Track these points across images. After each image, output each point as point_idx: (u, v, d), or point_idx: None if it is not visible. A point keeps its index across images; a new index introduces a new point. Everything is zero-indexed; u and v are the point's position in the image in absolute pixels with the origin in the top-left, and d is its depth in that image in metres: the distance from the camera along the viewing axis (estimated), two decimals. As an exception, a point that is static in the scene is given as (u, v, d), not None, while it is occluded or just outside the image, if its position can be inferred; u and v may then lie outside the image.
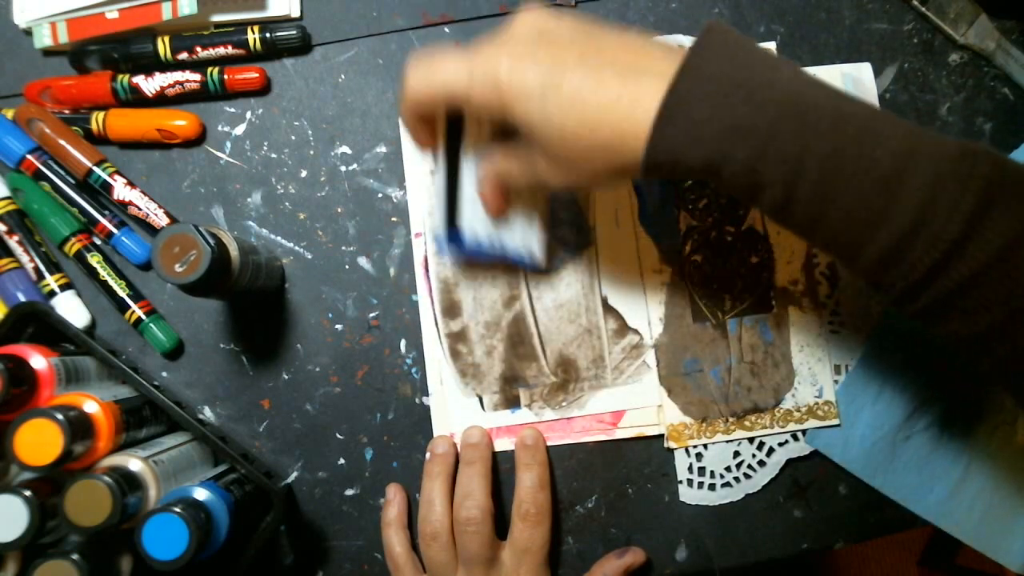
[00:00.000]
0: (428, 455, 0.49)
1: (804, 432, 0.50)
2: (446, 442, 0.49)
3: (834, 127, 0.30)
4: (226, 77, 0.49)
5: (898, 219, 0.30)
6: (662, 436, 0.50)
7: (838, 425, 0.49)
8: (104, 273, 0.49)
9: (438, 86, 0.36)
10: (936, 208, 0.29)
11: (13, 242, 0.49)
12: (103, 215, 0.49)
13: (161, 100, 0.50)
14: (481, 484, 0.46)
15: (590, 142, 0.34)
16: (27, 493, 0.38)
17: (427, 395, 0.50)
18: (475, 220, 0.44)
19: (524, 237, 0.45)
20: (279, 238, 0.51)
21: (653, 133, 0.32)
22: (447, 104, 0.37)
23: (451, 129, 0.42)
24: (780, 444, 0.50)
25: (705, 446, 0.50)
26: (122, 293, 0.49)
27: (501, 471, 0.50)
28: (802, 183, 0.31)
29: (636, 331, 0.50)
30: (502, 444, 0.50)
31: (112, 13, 0.49)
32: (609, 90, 0.33)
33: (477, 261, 0.48)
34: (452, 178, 0.43)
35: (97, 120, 0.49)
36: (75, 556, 0.38)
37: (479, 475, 0.47)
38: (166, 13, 0.48)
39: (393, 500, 0.49)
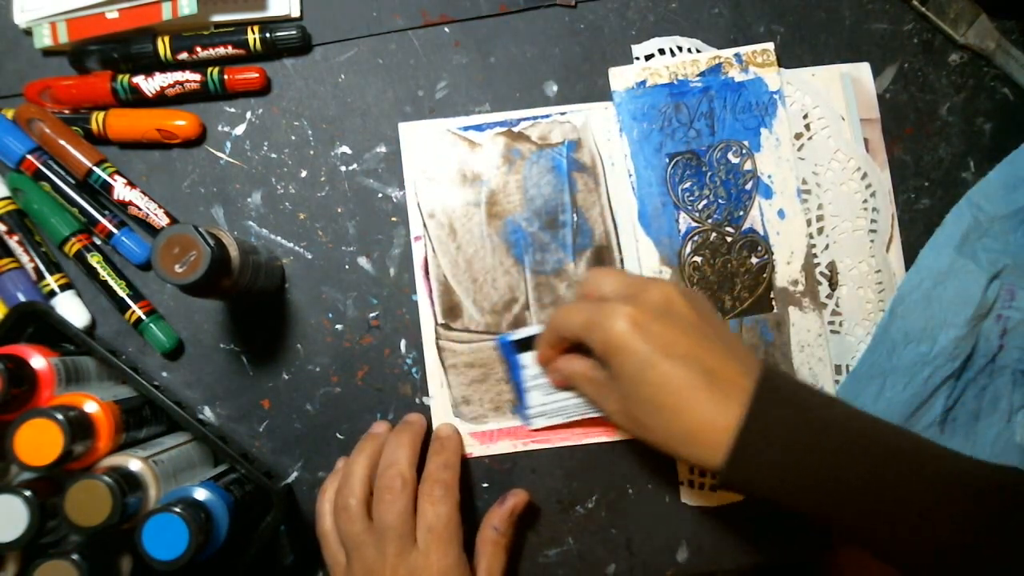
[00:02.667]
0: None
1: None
2: (384, 425, 0.49)
3: (885, 461, 0.36)
4: (226, 77, 0.49)
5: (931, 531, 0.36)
6: (662, 436, 0.50)
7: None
8: (104, 273, 0.49)
9: (567, 328, 0.42)
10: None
11: (13, 242, 0.49)
12: (103, 215, 0.49)
13: (161, 100, 0.50)
14: (406, 454, 0.45)
15: (662, 424, 0.38)
16: (27, 493, 0.38)
17: (427, 395, 0.50)
18: (533, 362, 0.47)
19: (544, 409, 0.48)
20: (279, 238, 0.51)
21: (726, 467, 0.36)
22: (573, 340, 0.43)
23: None
24: (780, 444, 0.50)
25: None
26: (122, 293, 0.49)
27: (497, 471, 0.50)
28: (859, 513, 0.36)
29: (636, 331, 0.50)
30: (503, 446, 0.50)
31: (112, 13, 0.49)
32: (700, 393, 0.37)
33: (507, 366, 0.49)
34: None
35: (97, 120, 0.49)
36: (75, 556, 0.38)
37: (405, 445, 0.45)
38: (166, 13, 0.48)
39: (337, 472, 0.48)
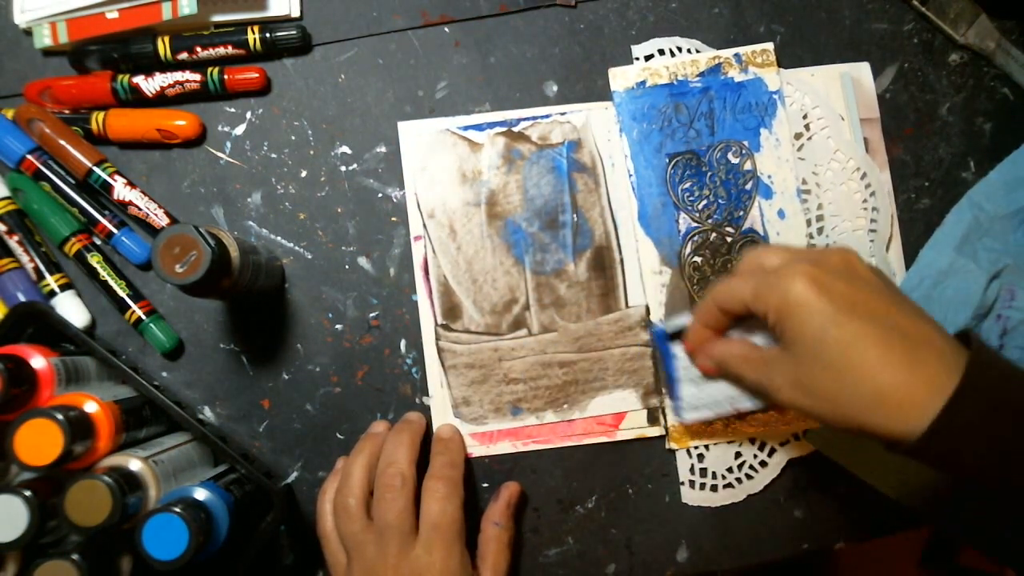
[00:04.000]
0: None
1: (805, 432, 0.50)
2: (382, 425, 0.49)
3: None
4: (226, 77, 0.49)
5: None
6: (663, 437, 0.50)
7: (838, 425, 0.49)
8: (104, 273, 0.49)
9: (733, 299, 0.40)
10: None
11: (13, 242, 0.49)
12: (103, 215, 0.49)
13: (161, 100, 0.50)
14: (406, 452, 0.45)
15: (844, 389, 0.35)
16: (27, 493, 0.38)
17: (427, 395, 0.50)
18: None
19: (695, 402, 0.47)
20: (279, 238, 0.51)
21: (927, 434, 0.33)
22: (737, 314, 0.41)
23: None
24: (781, 444, 0.50)
25: (707, 447, 0.50)
26: (122, 293, 0.49)
27: (497, 472, 0.50)
28: None
29: (636, 332, 0.50)
30: (503, 447, 0.50)
31: (112, 13, 0.49)
32: (892, 355, 0.34)
33: (661, 356, 0.48)
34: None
35: (97, 120, 0.49)
36: (75, 556, 0.38)
37: (404, 444, 0.45)
38: (166, 13, 0.48)
39: (337, 472, 0.48)
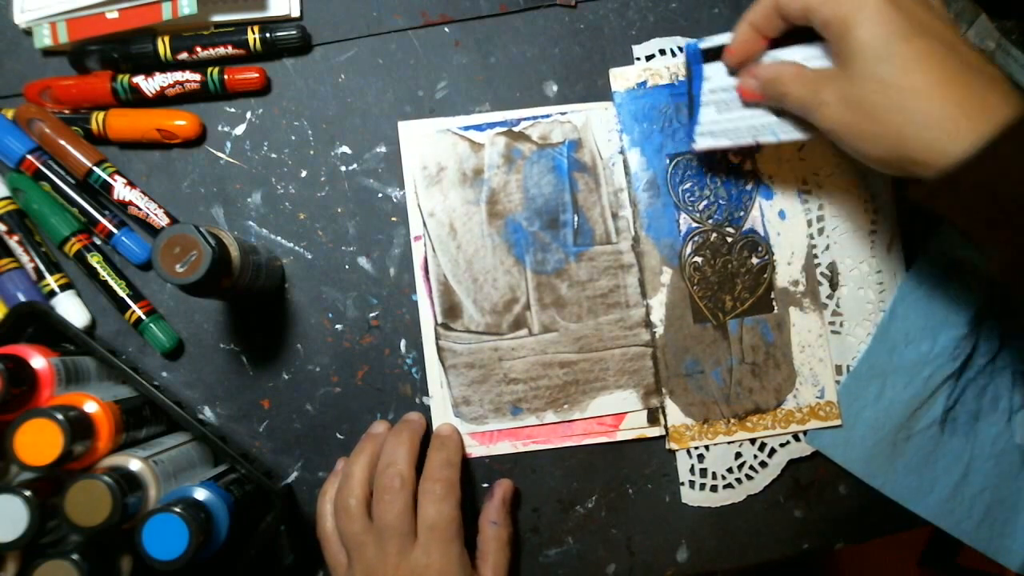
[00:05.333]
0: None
1: (805, 432, 0.50)
2: (382, 425, 0.49)
3: None
4: (226, 77, 0.49)
5: None
6: (663, 438, 0.50)
7: (840, 426, 0.49)
8: (104, 273, 0.49)
9: (789, 5, 0.38)
10: None
11: (13, 242, 0.49)
12: (103, 215, 0.49)
13: (161, 100, 0.50)
14: (405, 453, 0.44)
15: (898, 106, 0.34)
16: (27, 493, 0.38)
17: (427, 395, 0.50)
18: (717, 75, 0.45)
19: (713, 127, 0.45)
20: (279, 238, 0.51)
21: (976, 154, 0.33)
22: (792, 16, 0.39)
23: None
24: (782, 445, 0.50)
25: (707, 447, 0.50)
26: (122, 293, 0.49)
27: (497, 472, 0.50)
28: None
29: (636, 332, 0.50)
30: (503, 447, 0.50)
31: (112, 13, 0.49)
32: (952, 78, 0.34)
33: (687, 75, 0.47)
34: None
35: (97, 120, 0.49)
36: (75, 556, 0.38)
37: (404, 444, 0.45)
38: (166, 13, 0.48)
39: (337, 472, 0.48)
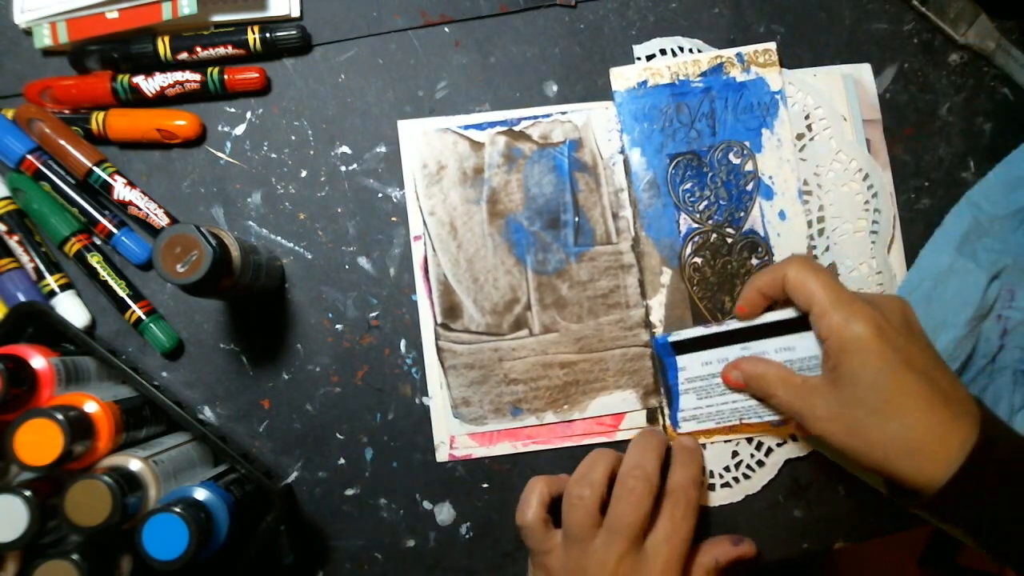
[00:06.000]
0: None
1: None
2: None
3: None
4: (226, 77, 0.49)
5: None
6: (662, 436, 0.50)
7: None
8: (104, 273, 0.49)
9: (805, 289, 0.41)
10: None
11: (13, 242, 0.49)
12: (103, 215, 0.49)
13: (161, 100, 0.50)
14: (654, 459, 0.45)
15: (888, 433, 0.38)
16: (27, 493, 0.38)
17: (427, 395, 0.50)
18: (692, 365, 0.48)
19: (696, 413, 0.48)
20: (279, 238, 0.51)
21: (951, 481, 0.37)
22: (796, 302, 0.42)
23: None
24: (778, 444, 0.50)
25: (704, 446, 0.50)
26: (122, 293, 0.49)
27: (497, 472, 0.50)
28: None
29: (636, 333, 0.50)
30: (503, 448, 0.50)
31: (112, 13, 0.49)
32: (935, 410, 0.38)
33: (660, 365, 0.49)
34: (724, 338, 0.47)
35: (97, 120, 0.49)
36: (75, 556, 0.38)
37: (654, 449, 0.45)
38: (166, 13, 0.48)
39: (542, 479, 0.47)
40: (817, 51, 0.52)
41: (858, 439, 0.39)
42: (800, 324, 0.44)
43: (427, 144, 0.50)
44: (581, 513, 0.44)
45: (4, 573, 0.41)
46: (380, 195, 0.51)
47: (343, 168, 0.51)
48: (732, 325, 0.46)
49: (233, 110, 0.51)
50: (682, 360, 0.48)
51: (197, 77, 0.49)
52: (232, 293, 0.44)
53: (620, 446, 0.50)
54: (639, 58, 0.51)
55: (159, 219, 0.49)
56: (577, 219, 0.50)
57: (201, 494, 0.42)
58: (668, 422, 0.49)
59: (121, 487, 0.38)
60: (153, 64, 0.49)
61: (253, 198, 0.51)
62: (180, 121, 0.49)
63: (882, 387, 0.38)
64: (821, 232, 0.51)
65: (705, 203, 0.50)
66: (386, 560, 0.50)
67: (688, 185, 0.50)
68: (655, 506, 0.44)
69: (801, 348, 0.44)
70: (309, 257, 0.51)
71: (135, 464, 0.41)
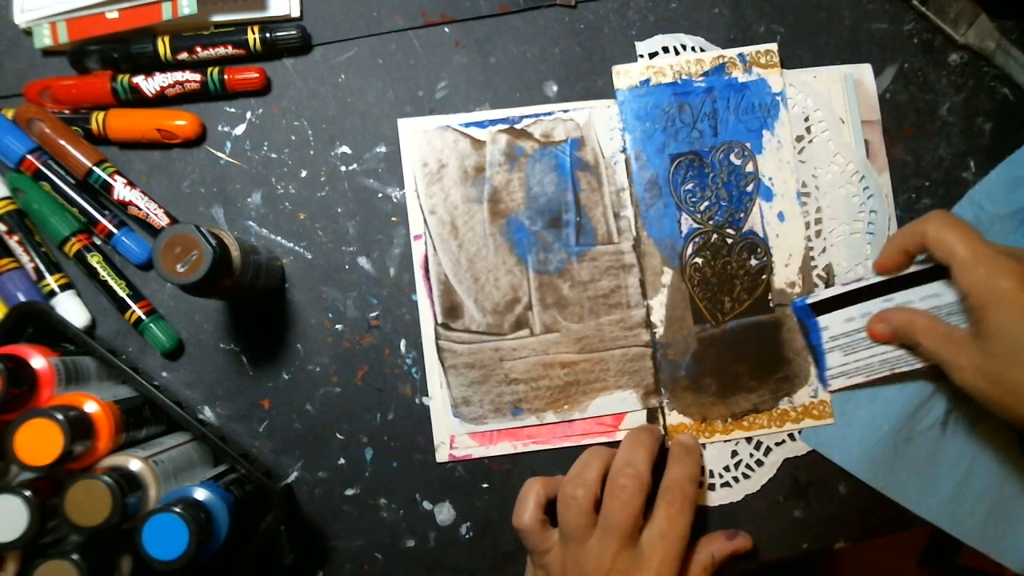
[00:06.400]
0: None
1: (800, 431, 0.50)
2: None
3: None
4: (226, 77, 0.49)
5: None
6: (663, 437, 0.50)
7: (832, 424, 0.50)
8: (104, 273, 0.49)
9: (945, 245, 0.41)
10: None
11: (13, 242, 0.49)
12: (103, 215, 0.49)
13: (161, 100, 0.50)
14: (645, 456, 0.45)
15: None
16: (27, 493, 0.38)
17: (427, 395, 0.50)
18: (835, 323, 0.48)
19: (845, 369, 0.49)
20: (279, 238, 0.51)
21: None
22: (937, 257, 0.42)
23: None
24: (777, 444, 0.50)
25: (703, 446, 0.50)
26: (122, 293, 0.49)
27: (497, 472, 0.50)
28: None
29: (637, 333, 0.50)
30: (503, 448, 0.50)
31: (112, 13, 0.49)
32: None
33: (803, 328, 0.49)
34: (864, 292, 0.47)
35: (97, 120, 0.49)
36: (75, 556, 0.38)
37: (645, 446, 0.45)
38: (166, 13, 0.48)
39: (539, 480, 0.47)
40: (817, 51, 0.52)
41: (1001, 390, 0.39)
42: (944, 270, 0.44)
43: (428, 142, 0.50)
44: (575, 513, 0.44)
45: (4, 573, 0.41)
46: (380, 195, 0.51)
47: (343, 168, 0.51)
48: (872, 279, 0.47)
49: (233, 110, 0.51)
50: (824, 319, 0.48)
51: (197, 77, 0.49)
52: (232, 293, 0.44)
53: (619, 446, 0.50)
54: (642, 55, 0.51)
55: (159, 219, 0.49)
56: (579, 218, 0.50)
57: (201, 494, 0.42)
58: (817, 382, 0.50)
59: (121, 487, 0.38)
60: (153, 64, 0.49)
61: (253, 198, 0.51)
62: (180, 121, 0.49)
63: None
64: (819, 233, 0.51)
65: (706, 204, 0.50)
66: (386, 560, 0.50)
67: (690, 185, 0.50)
68: (650, 503, 0.44)
69: (947, 294, 0.45)
70: (309, 257, 0.51)
71: (135, 464, 0.41)
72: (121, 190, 0.49)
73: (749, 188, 0.50)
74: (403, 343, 0.50)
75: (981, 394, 0.40)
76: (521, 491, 0.46)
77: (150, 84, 0.49)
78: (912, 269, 0.46)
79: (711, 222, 0.50)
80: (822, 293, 0.48)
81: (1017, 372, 0.39)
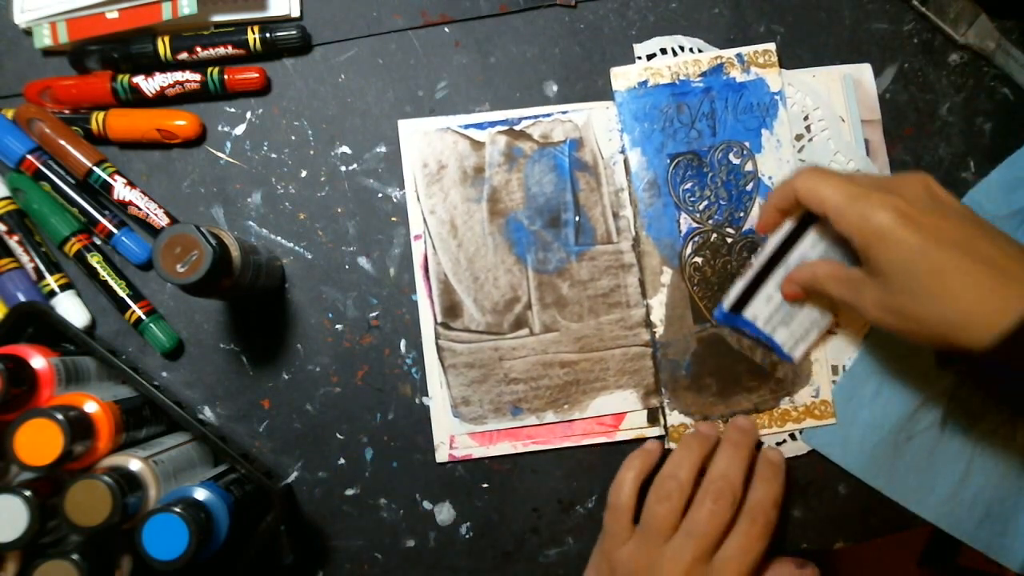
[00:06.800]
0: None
1: (801, 431, 0.50)
2: (711, 426, 0.49)
3: None
4: (226, 77, 0.49)
5: None
6: (663, 438, 0.50)
7: (834, 423, 0.50)
8: (104, 273, 0.49)
9: (815, 197, 0.41)
10: None
11: (13, 242, 0.49)
12: (103, 215, 0.49)
13: (161, 100, 0.50)
14: (740, 469, 0.45)
15: (935, 312, 0.37)
16: (27, 493, 0.38)
17: (427, 395, 0.50)
18: (760, 308, 0.48)
19: (794, 336, 0.49)
20: (279, 238, 0.51)
21: (1006, 342, 0.35)
22: (812, 210, 0.42)
23: (794, 230, 0.46)
24: (778, 443, 0.50)
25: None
26: (122, 293, 0.49)
27: (497, 472, 0.50)
28: None
29: (637, 332, 0.50)
30: (503, 448, 0.50)
31: (112, 13, 0.49)
32: (980, 281, 0.36)
33: (740, 332, 0.50)
34: (765, 269, 0.47)
35: (97, 120, 0.49)
36: (75, 556, 0.38)
37: (743, 460, 0.46)
38: (166, 13, 0.48)
39: (650, 451, 0.48)
40: (817, 51, 0.52)
41: (908, 321, 0.39)
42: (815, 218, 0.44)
43: (427, 143, 0.50)
44: (666, 511, 0.44)
45: (4, 573, 0.41)
46: (380, 195, 0.51)
47: (343, 168, 0.51)
48: (762, 256, 0.47)
49: (233, 110, 0.51)
50: (749, 312, 0.48)
51: (197, 77, 0.49)
52: (232, 293, 0.44)
53: (620, 446, 0.50)
54: (639, 57, 0.51)
55: (159, 219, 0.49)
56: (578, 218, 0.50)
57: (201, 494, 0.42)
58: (779, 359, 0.50)
59: (121, 487, 0.38)
60: (153, 64, 0.49)
61: (253, 198, 0.51)
62: (180, 121, 0.49)
63: (915, 272, 0.37)
64: (821, 232, 0.51)
65: (705, 203, 0.50)
66: (386, 560, 0.50)
67: (688, 185, 0.50)
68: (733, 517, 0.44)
69: (831, 232, 0.45)
70: (309, 257, 0.51)
71: (135, 464, 0.41)
72: (121, 190, 0.49)
73: (749, 187, 0.50)
74: (403, 343, 0.50)
75: (889, 327, 0.40)
76: (622, 467, 0.47)
77: (150, 84, 0.49)
78: (788, 225, 0.45)
79: (710, 221, 0.50)
80: (731, 294, 0.48)
81: (912, 302, 0.38)
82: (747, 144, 0.50)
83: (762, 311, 0.48)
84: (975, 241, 0.37)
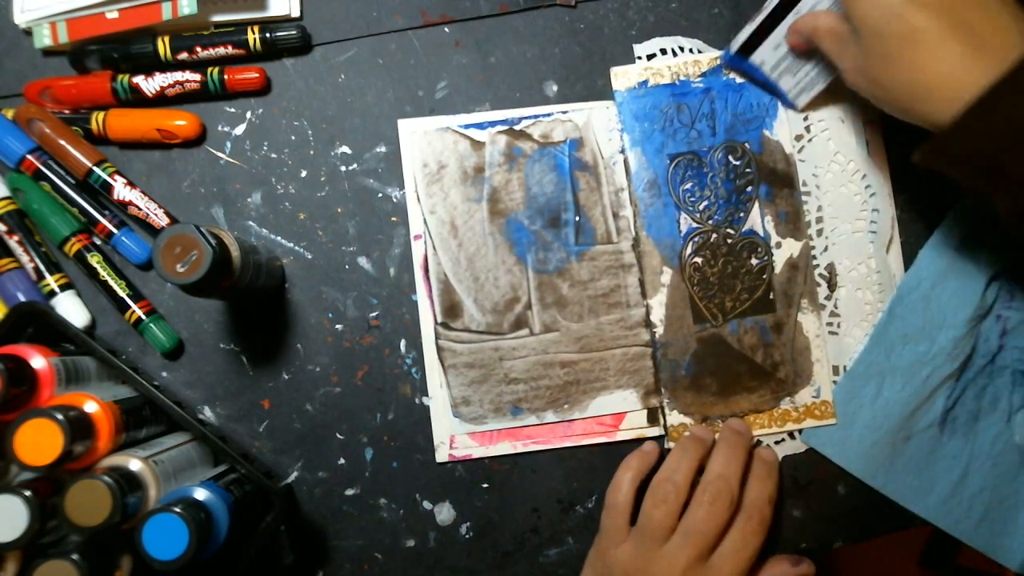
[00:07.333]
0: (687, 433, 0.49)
1: (801, 431, 0.50)
2: (707, 429, 0.49)
3: None
4: (226, 77, 0.49)
5: None
6: (663, 437, 0.50)
7: (834, 424, 0.50)
8: (104, 273, 0.49)
9: None
10: None
11: (13, 242, 0.49)
12: (103, 215, 0.49)
13: (161, 100, 0.50)
14: (738, 469, 0.46)
15: (900, 78, 0.36)
16: (27, 493, 0.38)
17: (427, 395, 0.50)
18: (768, 54, 0.48)
19: (799, 85, 0.49)
20: (279, 238, 0.51)
21: (959, 118, 0.34)
22: None
23: None
24: (776, 443, 0.50)
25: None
26: (122, 293, 0.49)
27: (497, 472, 0.50)
28: None
29: (637, 332, 0.50)
30: (503, 448, 0.50)
31: (112, 13, 0.49)
32: (953, 48, 0.35)
33: (747, 76, 0.50)
34: (776, 15, 0.46)
35: (97, 120, 0.49)
36: (75, 556, 0.38)
37: (739, 460, 0.46)
38: (166, 13, 0.48)
39: (647, 452, 0.48)
40: (817, 51, 0.52)
41: (878, 88, 0.38)
42: None
43: (427, 143, 0.50)
44: (663, 513, 0.44)
45: (4, 573, 0.41)
46: (380, 195, 0.51)
47: (343, 168, 0.51)
48: (772, 2, 0.46)
49: (233, 110, 0.51)
50: (756, 57, 0.48)
51: (197, 77, 0.49)
52: (232, 293, 0.44)
53: (620, 446, 0.50)
54: (639, 57, 0.51)
55: (159, 219, 0.49)
56: (578, 218, 0.50)
57: (201, 494, 0.42)
58: (784, 108, 0.50)
59: (121, 487, 0.38)
60: (153, 64, 0.49)
61: (253, 198, 0.51)
62: (180, 121, 0.49)
63: (888, 34, 0.36)
64: (820, 232, 0.51)
65: (705, 203, 0.50)
66: (386, 560, 0.50)
67: (688, 185, 0.50)
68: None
69: None
70: (309, 257, 0.51)
71: (135, 464, 0.41)
72: (121, 190, 0.49)
73: (748, 187, 0.50)
74: (403, 343, 0.50)
75: (862, 91, 0.40)
76: (620, 467, 0.47)
77: (150, 84, 0.49)
78: None
79: (710, 221, 0.50)
80: (740, 36, 0.48)
81: (882, 66, 0.37)
82: (747, 144, 0.50)
83: (769, 57, 0.48)
84: (958, 5, 0.35)
